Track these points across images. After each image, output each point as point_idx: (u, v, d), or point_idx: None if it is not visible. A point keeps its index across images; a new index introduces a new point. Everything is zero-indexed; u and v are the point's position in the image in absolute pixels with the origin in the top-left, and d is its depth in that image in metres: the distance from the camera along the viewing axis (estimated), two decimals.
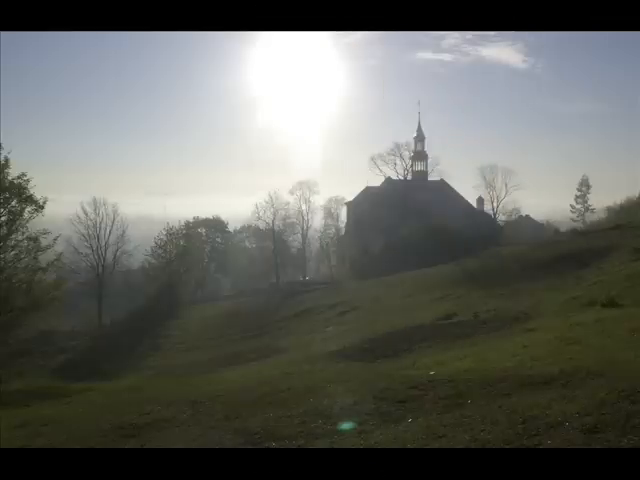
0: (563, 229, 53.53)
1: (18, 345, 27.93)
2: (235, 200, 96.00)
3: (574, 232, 43.23)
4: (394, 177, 61.27)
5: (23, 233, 21.86)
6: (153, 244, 55.76)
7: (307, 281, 59.24)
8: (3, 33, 49.16)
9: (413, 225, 52.38)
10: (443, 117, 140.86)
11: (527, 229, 63.24)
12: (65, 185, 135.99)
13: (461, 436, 4.62)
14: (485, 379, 6.76)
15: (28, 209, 21.55)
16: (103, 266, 48.09)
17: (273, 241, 62.30)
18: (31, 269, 22.18)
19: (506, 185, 59.66)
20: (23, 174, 21.28)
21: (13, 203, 21.36)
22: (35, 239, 21.89)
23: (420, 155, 64.54)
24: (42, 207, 21.74)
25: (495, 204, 60.93)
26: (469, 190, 64.43)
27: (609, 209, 63.11)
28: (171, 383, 14.85)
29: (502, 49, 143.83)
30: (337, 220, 67.37)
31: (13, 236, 21.74)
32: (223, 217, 67.30)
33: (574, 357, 7.70)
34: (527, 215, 68.36)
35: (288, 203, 62.90)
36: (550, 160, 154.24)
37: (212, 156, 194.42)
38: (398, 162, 60.72)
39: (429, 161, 64.00)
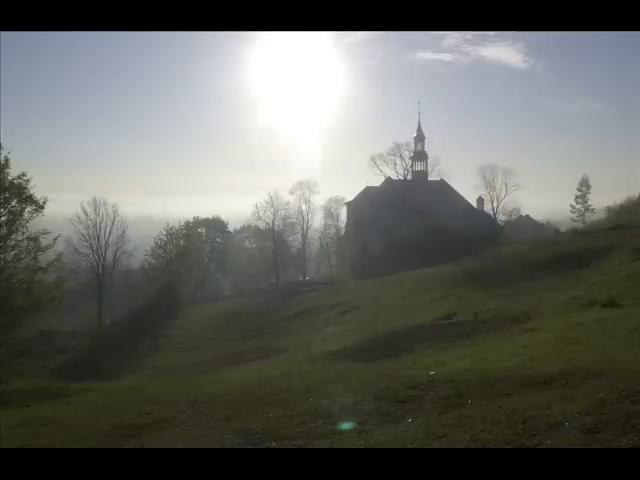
0: (563, 229, 53.48)
1: (18, 345, 27.87)
2: (235, 200, 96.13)
3: (574, 232, 43.18)
4: (394, 177, 61.41)
5: (23, 233, 21.90)
6: (153, 244, 55.80)
7: (307, 281, 59.24)
8: (3, 33, 49.15)
9: (413, 225, 52.37)
10: (443, 117, 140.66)
11: (527, 229, 63.18)
12: (65, 185, 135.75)
13: (461, 436, 4.62)
14: (485, 379, 6.75)
15: (28, 209, 21.59)
16: (103, 266, 48.08)
17: (273, 241, 62.31)
18: (31, 269, 22.20)
19: (506, 185, 59.85)
20: (23, 174, 21.35)
21: (13, 203, 21.39)
22: (35, 239, 21.92)
23: (420, 155, 64.56)
24: (42, 207, 21.78)
25: (495, 204, 61.12)
26: (469, 190, 64.57)
27: (609, 209, 62.98)
28: (171, 383, 14.87)
29: (502, 49, 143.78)
30: (337, 220, 67.50)
31: (13, 236, 21.77)
32: (223, 217, 67.56)
33: (574, 357, 7.71)
34: (527, 215, 68.38)
35: (288, 203, 63.10)
36: (550, 160, 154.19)
37: (212, 156, 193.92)
38: (398, 162, 60.91)
39: (429, 161, 64.16)
